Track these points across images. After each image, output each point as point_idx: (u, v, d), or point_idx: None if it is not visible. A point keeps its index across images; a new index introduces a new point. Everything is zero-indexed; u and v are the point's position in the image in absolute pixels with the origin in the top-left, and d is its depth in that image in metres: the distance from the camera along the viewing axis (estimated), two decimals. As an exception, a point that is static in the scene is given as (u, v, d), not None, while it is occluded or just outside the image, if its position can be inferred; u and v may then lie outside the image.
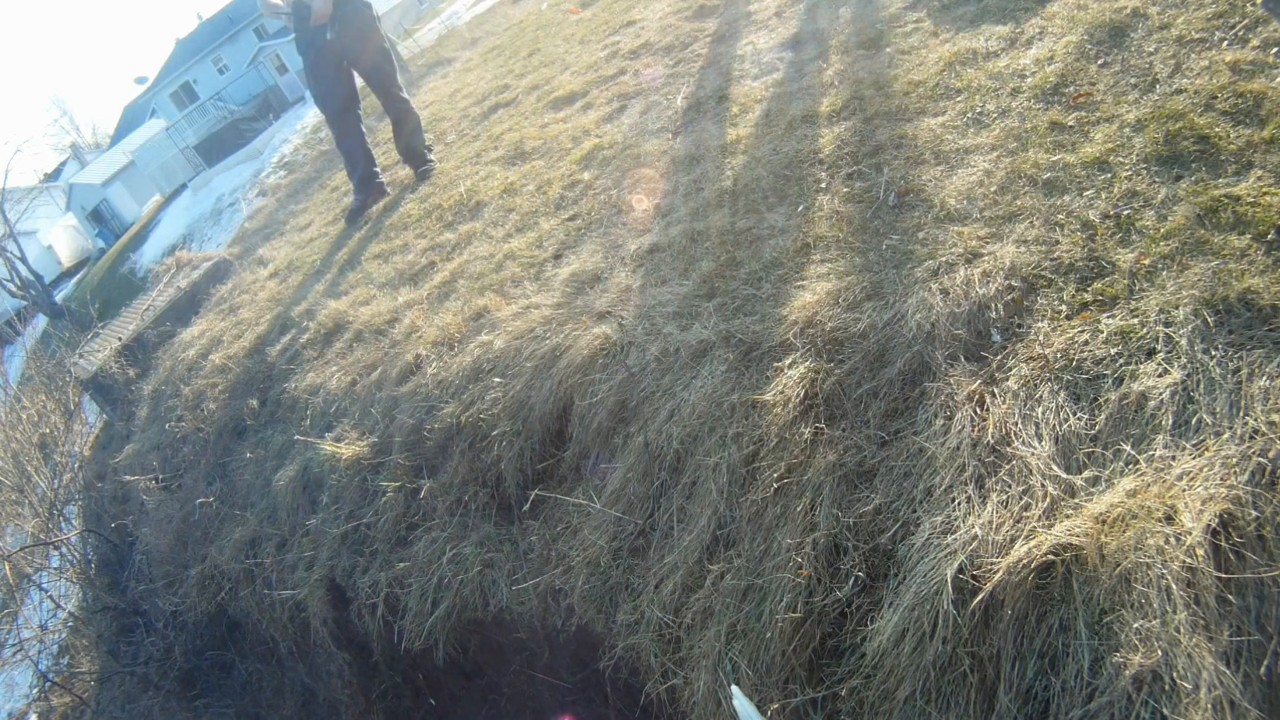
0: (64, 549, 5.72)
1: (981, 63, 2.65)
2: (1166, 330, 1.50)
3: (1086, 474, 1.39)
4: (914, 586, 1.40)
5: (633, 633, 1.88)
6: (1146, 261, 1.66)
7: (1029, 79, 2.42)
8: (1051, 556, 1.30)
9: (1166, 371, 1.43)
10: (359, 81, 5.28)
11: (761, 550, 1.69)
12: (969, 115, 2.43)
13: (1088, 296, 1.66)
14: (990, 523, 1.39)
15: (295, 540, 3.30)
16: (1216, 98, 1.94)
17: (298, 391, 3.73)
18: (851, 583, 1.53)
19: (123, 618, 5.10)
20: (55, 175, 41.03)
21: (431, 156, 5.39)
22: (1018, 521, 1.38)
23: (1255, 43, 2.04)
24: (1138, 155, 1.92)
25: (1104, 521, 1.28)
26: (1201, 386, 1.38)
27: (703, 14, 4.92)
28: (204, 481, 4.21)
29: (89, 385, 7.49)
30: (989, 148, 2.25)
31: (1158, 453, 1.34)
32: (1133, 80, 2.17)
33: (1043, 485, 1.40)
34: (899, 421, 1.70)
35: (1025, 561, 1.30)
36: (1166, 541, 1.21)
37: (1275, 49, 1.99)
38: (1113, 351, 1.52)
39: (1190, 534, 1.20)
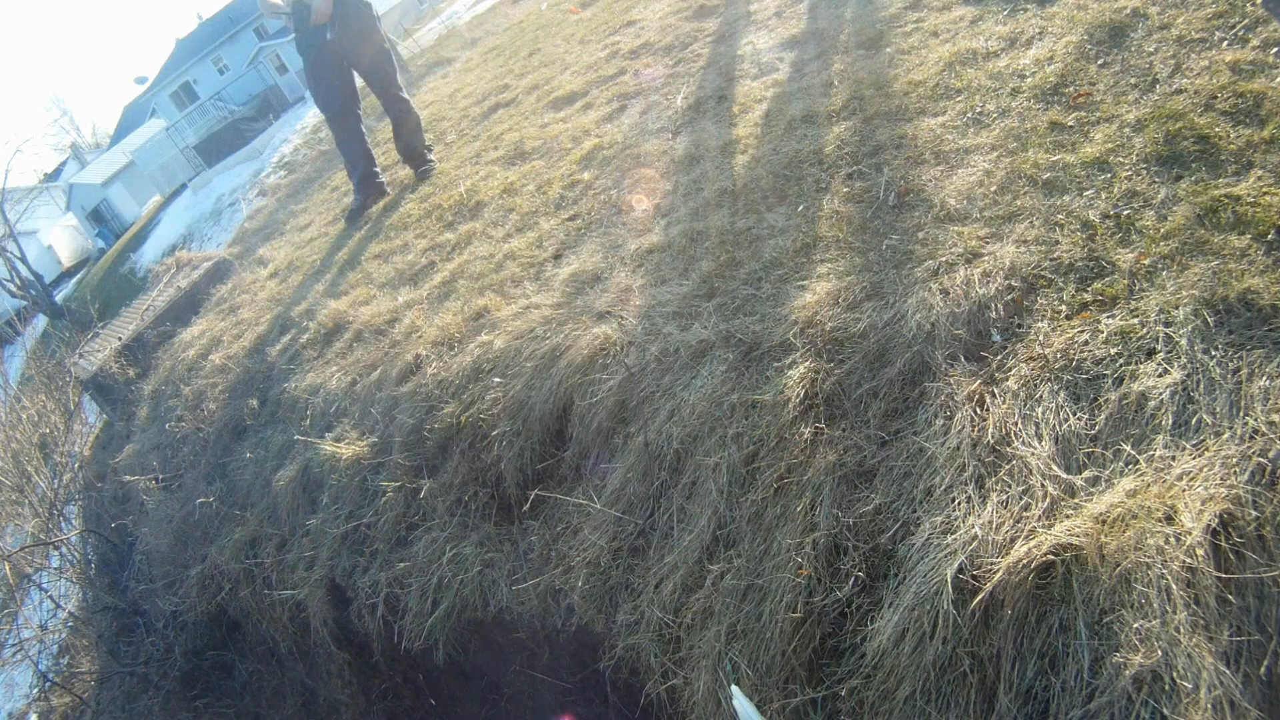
0: (64, 549, 5.72)
1: (981, 63, 2.65)
2: (1166, 330, 1.50)
3: (1086, 474, 1.39)
4: (914, 586, 1.40)
5: (633, 633, 1.88)
6: (1146, 261, 1.66)
7: (1029, 79, 2.42)
8: (1051, 556, 1.30)
9: (1166, 371, 1.43)
10: (359, 81, 5.28)
11: (761, 550, 1.69)
12: (969, 115, 2.43)
13: (1088, 296, 1.66)
14: (990, 523, 1.39)
15: (295, 540, 3.30)
16: (1216, 98, 1.94)
17: (298, 391, 3.73)
18: (851, 583, 1.53)
19: (123, 618, 5.10)
20: (55, 175, 41.02)
21: (431, 156, 5.39)
22: (1018, 521, 1.38)
23: (1255, 43, 2.04)
24: (1138, 155, 1.92)
25: (1104, 521, 1.28)
26: (1201, 386, 1.38)
27: (703, 14, 4.92)
28: (204, 481, 4.21)
29: (89, 385, 7.49)
30: (989, 148, 2.25)
31: (1158, 453, 1.34)
32: (1133, 80, 2.17)
33: (1043, 485, 1.40)
34: (899, 421, 1.70)
35: (1025, 561, 1.30)
36: (1166, 541, 1.21)
37: (1275, 49, 1.99)
38: (1113, 351, 1.52)
39: (1190, 534, 1.20)
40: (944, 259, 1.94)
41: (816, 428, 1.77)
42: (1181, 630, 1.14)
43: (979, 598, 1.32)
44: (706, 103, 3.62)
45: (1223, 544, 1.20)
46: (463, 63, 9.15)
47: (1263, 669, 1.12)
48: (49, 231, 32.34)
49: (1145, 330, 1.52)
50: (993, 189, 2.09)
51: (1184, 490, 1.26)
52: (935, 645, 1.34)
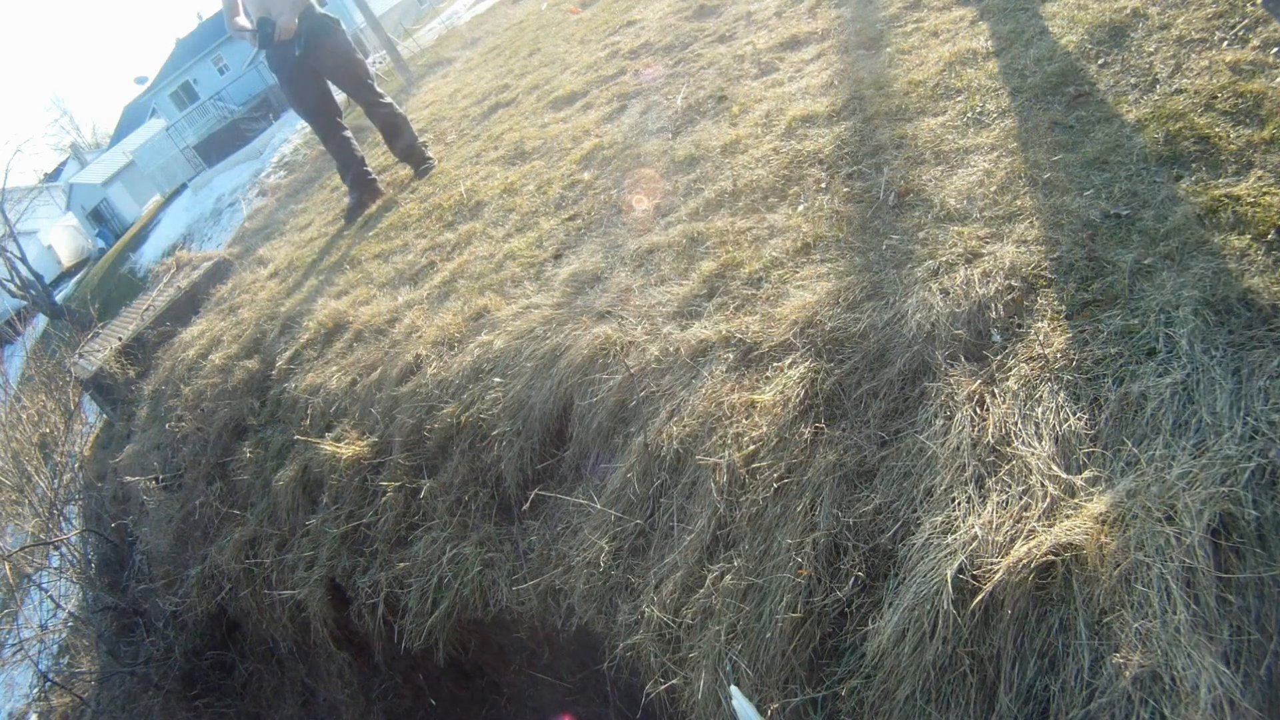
0: (64, 549, 5.71)
1: (981, 62, 2.65)
2: (1167, 330, 1.50)
3: (1086, 474, 1.39)
4: (914, 586, 1.40)
5: (633, 633, 1.88)
6: (1147, 261, 1.66)
7: (1030, 79, 2.42)
8: (1051, 556, 1.30)
9: (1167, 371, 1.43)
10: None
11: (761, 550, 1.69)
12: (969, 115, 2.43)
13: (1088, 296, 1.66)
14: (990, 523, 1.39)
15: (295, 540, 3.30)
16: (1216, 98, 1.94)
17: (298, 391, 3.73)
18: (851, 583, 1.53)
19: (123, 618, 5.10)
20: (55, 175, 41.04)
21: (430, 154, 5.40)
22: (1018, 521, 1.38)
23: (1255, 43, 2.04)
24: (1138, 155, 1.92)
25: (1104, 521, 1.28)
26: (1201, 386, 1.38)
27: (703, 14, 4.92)
28: (204, 481, 4.21)
29: (89, 385, 7.49)
30: (989, 147, 2.25)
31: (1158, 452, 1.34)
32: (1133, 80, 2.17)
33: (1043, 485, 1.40)
34: (899, 421, 1.70)
35: (1025, 561, 1.30)
36: (1166, 541, 1.21)
37: (1275, 49, 1.99)
38: (1113, 351, 1.52)
39: (1190, 534, 1.20)
40: (944, 259, 1.94)
41: (816, 428, 1.77)
42: (1182, 630, 1.14)
43: (979, 598, 1.32)
44: (706, 103, 3.62)
45: (1223, 544, 1.20)
46: (463, 63, 9.15)
47: (1263, 669, 1.12)
48: (49, 231, 32.33)
49: (1145, 330, 1.52)
50: (993, 189, 2.09)
51: (1184, 490, 1.26)
52: (935, 645, 1.34)
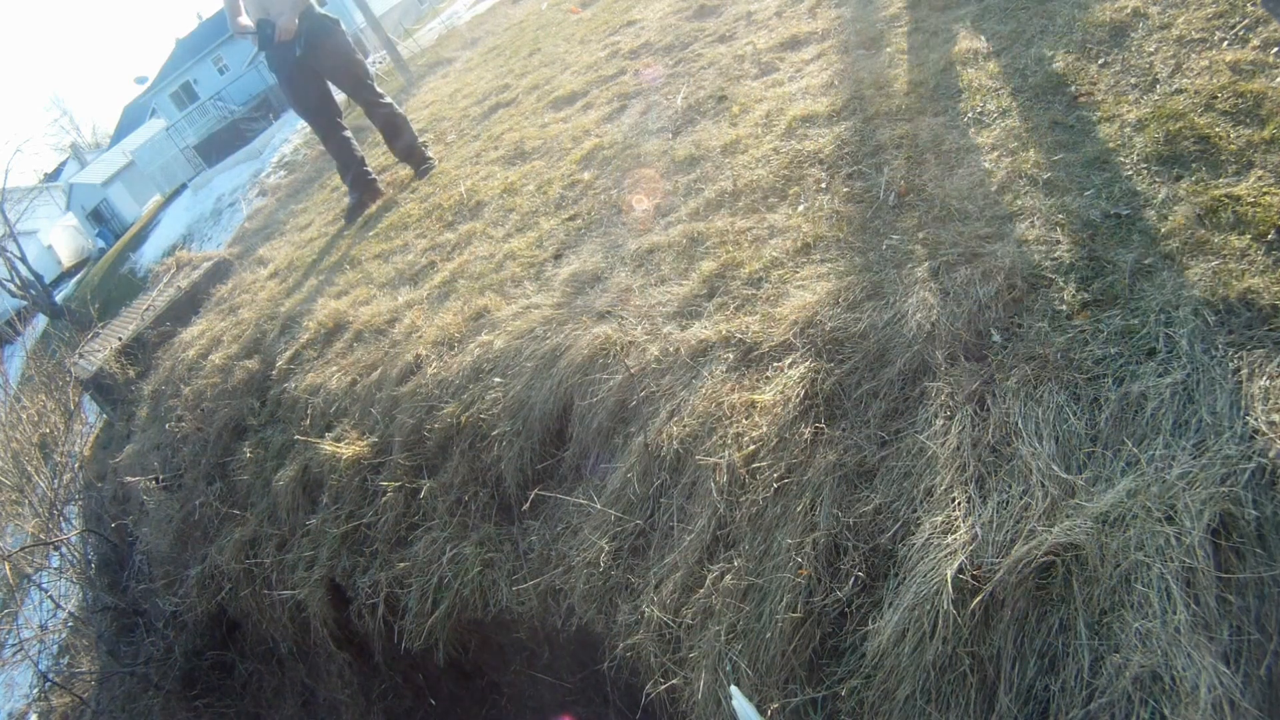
0: (64, 549, 5.71)
1: (982, 62, 2.65)
2: (1167, 330, 1.50)
3: (1087, 474, 1.39)
4: (914, 586, 1.40)
5: (633, 633, 1.88)
6: (1147, 261, 1.66)
7: (1030, 78, 2.42)
8: (1052, 556, 1.30)
9: (1167, 371, 1.43)
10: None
11: (761, 550, 1.69)
12: (969, 115, 2.43)
13: (1088, 296, 1.66)
14: (990, 522, 1.39)
15: (295, 540, 3.30)
16: (1217, 97, 1.94)
17: (298, 391, 3.73)
18: (851, 583, 1.53)
19: (123, 618, 5.10)
20: (55, 175, 41.04)
21: (430, 154, 5.40)
22: (1018, 521, 1.38)
23: (1255, 43, 2.04)
24: (1138, 155, 1.92)
25: (1104, 521, 1.28)
26: (1201, 386, 1.38)
27: (703, 14, 4.92)
28: (204, 481, 4.21)
29: (89, 385, 7.49)
30: (990, 147, 2.25)
31: (1158, 452, 1.34)
32: (1133, 80, 2.17)
33: (1043, 485, 1.40)
34: (899, 421, 1.70)
35: (1025, 561, 1.30)
36: (1166, 541, 1.21)
37: (1275, 49, 1.99)
38: (1113, 351, 1.52)
39: (1190, 534, 1.20)
40: (944, 259, 1.94)
41: (816, 428, 1.77)
42: (1182, 630, 1.14)
43: (979, 598, 1.32)
44: (707, 103, 3.62)
45: (1223, 544, 1.20)
46: (463, 63, 9.15)
47: (1263, 669, 1.12)
48: (49, 231, 32.33)
49: (1146, 330, 1.52)
50: (993, 188, 2.09)
51: (1184, 490, 1.26)
52: (935, 645, 1.34)
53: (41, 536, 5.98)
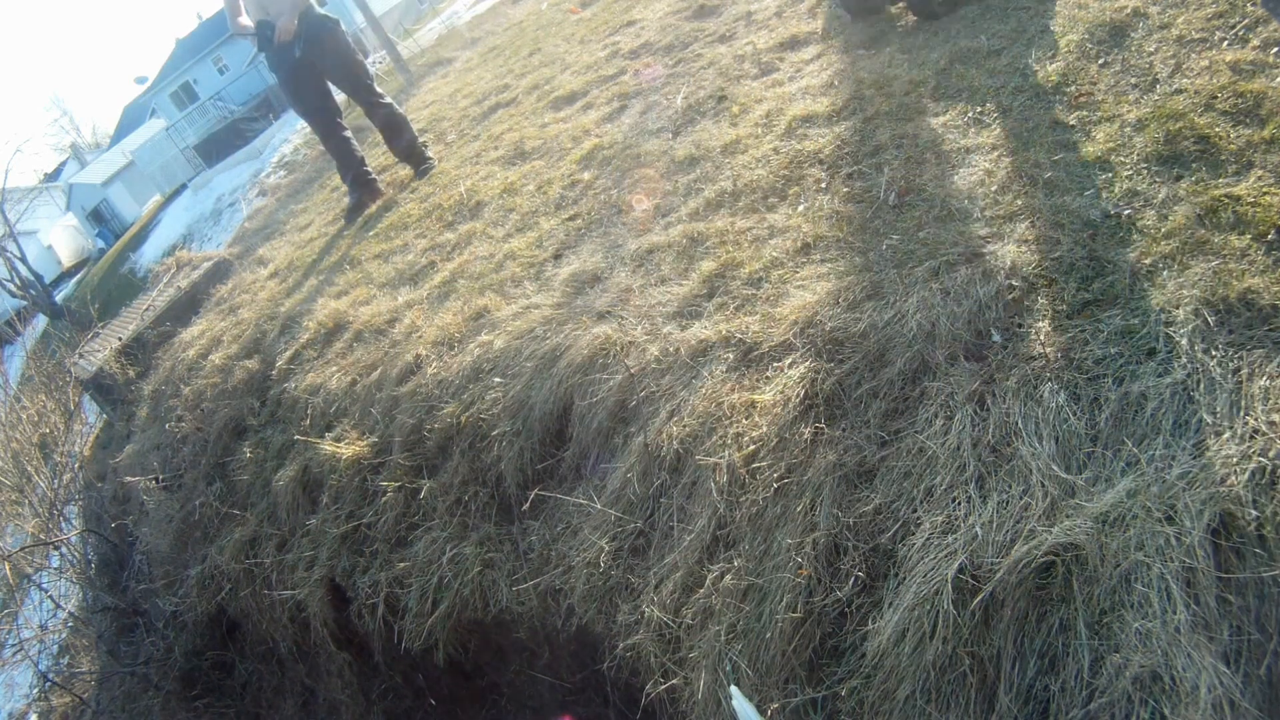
0: (64, 549, 5.71)
1: (982, 61, 2.65)
2: (1167, 330, 1.50)
3: (1087, 474, 1.39)
4: (914, 586, 1.40)
5: (633, 633, 1.88)
6: (1147, 261, 1.66)
7: (1030, 78, 2.42)
8: (1052, 556, 1.30)
9: (1167, 371, 1.43)
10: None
11: (761, 550, 1.69)
12: (970, 115, 2.43)
13: (1088, 296, 1.66)
14: (991, 522, 1.39)
15: (295, 540, 3.30)
16: (1217, 97, 1.94)
17: (298, 391, 3.73)
18: (851, 583, 1.52)
19: (123, 618, 5.10)
20: (55, 175, 41.03)
21: (430, 154, 5.40)
22: (1018, 521, 1.38)
23: (1255, 43, 2.04)
24: (1138, 155, 1.92)
25: (1104, 521, 1.28)
26: (1202, 386, 1.38)
27: (703, 14, 4.92)
28: (204, 481, 4.21)
29: (89, 385, 7.49)
30: (990, 147, 2.25)
31: (1158, 452, 1.34)
32: (1133, 80, 2.17)
33: (1043, 485, 1.40)
34: (899, 421, 1.70)
35: (1025, 561, 1.30)
36: (1167, 541, 1.21)
37: (1275, 49, 1.99)
38: (1113, 351, 1.52)
39: (1190, 534, 1.20)
40: (945, 258, 1.94)
41: (816, 428, 1.77)
42: (1182, 630, 1.14)
43: (979, 597, 1.32)
44: (707, 103, 3.61)
45: (1223, 544, 1.20)
46: (463, 62, 9.15)
47: (1263, 669, 1.12)
48: (49, 231, 32.33)
49: (1146, 330, 1.52)
50: (994, 188, 2.09)
51: (1184, 490, 1.26)
52: (935, 645, 1.34)
53: (41, 536, 5.98)
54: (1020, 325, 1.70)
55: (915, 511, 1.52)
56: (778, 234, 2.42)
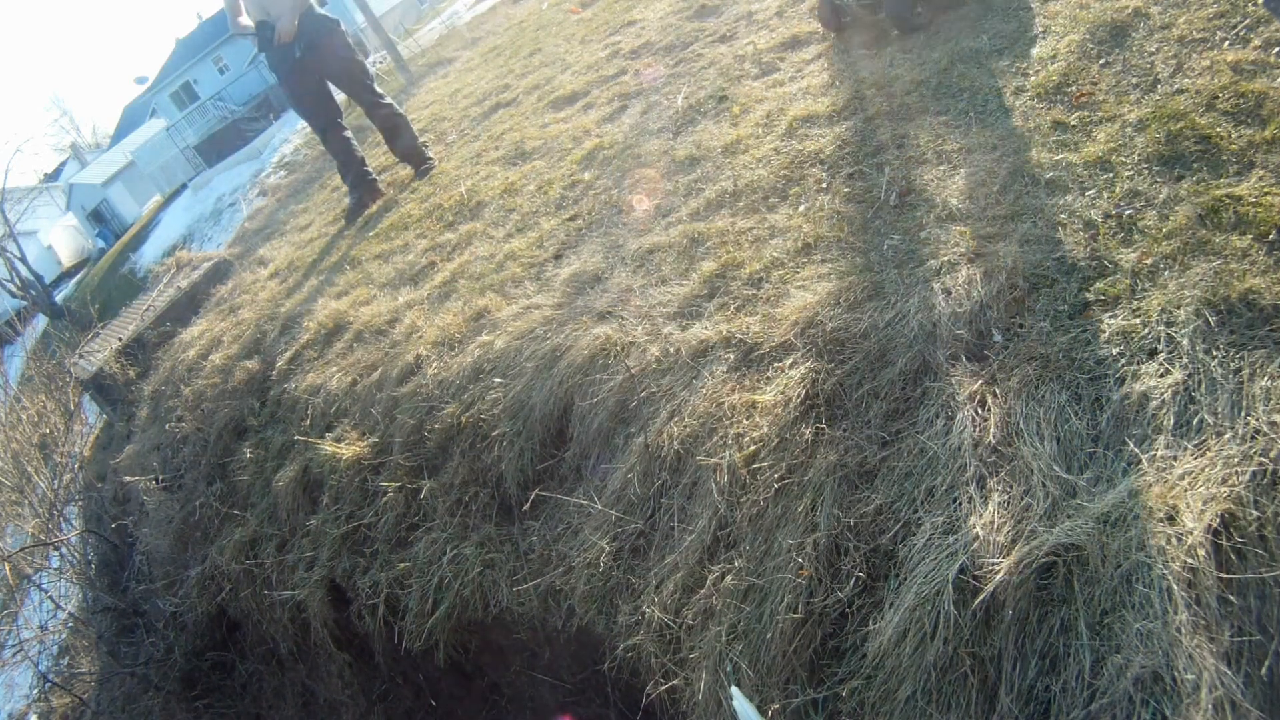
0: (64, 549, 5.71)
1: (984, 61, 2.65)
2: (1168, 330, 1.50)
3: (1088, 474, 1.38)
4: (915, 587, 1.40)
5: (633, 633, 1.88)
6: (1148, 261, 1.65)
7: (1031, 78, 2.42)
8: (1053, 557, 1.29)
9: (1168, 371, 1.43)
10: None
11: (762, 551, 1.69)
12: (971, 114, 2.43)
13: (1090, 296, 1.66)
14: (991, 523, 1.39)
15: (295, 540, 3.30)
16: (1218, 98, 1.94)
17: (298, 391, 3.73)
18: (852, 583, 1.52)
19: (123, 618, 5.10)
20: (55, 175, 41.02)
21: (430, 154, 5.40)
22: (1019, 522, 1.38)
23: (1257, 43, 2.04)
24: (1139, 155, 1.92)
25: (1105, 522, 1.28)
26: (1203, 386, 1.38)
27: (703, 14, 4.92)
28: (204, 482, 4.21)
29: (89, 385, 7.49)
30: (991, 147, 2.24)
31: (1159, 453, 1.34)
32: (1134, 80, 2.17)
33: (1044, 485, 1.40)
34: (900, 422, 1.70)
35: (1026, 562, 1.30)
36: (1168, 542, 1.21)
37: (1276, 49, 1.99)
38: (1114, 351, 1.52)
39: (1191, 534, 1.20)
40: (946, 259, 1.94)
41: (817, 428, 1.77)
42: (1183, 630, 1.14)
43: (980, 598, 1.32)
44: (707, 103, 3.61)
45: (1224, 544, 1.20)
46: (463, 62, 9.15)
47: (1264, 669, 1.12)
48: (49, 231, 32.31)
49: (1147, 330, 1.52)
50: (995, 188, 2.09)
51: (1185, 490, 1.26)
52: (936, 646, 1.34)
53: (41, 537, 5.98)
54: (1021, 325, 1.70)
55: (916, 512, 1.52)
56: (778, 234, 2.42)
